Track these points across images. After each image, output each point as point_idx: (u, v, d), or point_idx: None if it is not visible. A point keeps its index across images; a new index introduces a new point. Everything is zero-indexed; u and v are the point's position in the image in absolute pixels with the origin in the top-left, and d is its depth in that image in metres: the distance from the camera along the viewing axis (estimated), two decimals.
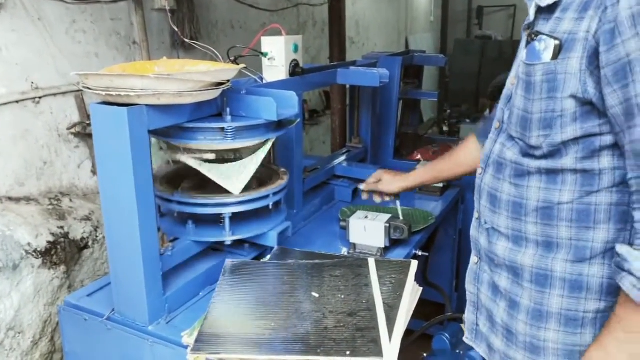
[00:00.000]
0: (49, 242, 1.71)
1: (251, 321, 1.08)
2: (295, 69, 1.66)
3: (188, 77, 1.08)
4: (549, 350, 0.95)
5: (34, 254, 1.65)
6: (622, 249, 0.82)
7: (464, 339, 1.17)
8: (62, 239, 1.77)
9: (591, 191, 0.89)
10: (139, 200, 1.09)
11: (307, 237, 1.65)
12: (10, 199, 1.78)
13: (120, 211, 1.12)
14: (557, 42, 0.86)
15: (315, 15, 4.14)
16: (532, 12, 0.95)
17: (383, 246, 1.49)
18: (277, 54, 1.62)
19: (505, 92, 1.06)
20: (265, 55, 1.63)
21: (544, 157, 0.92)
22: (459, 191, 2.18)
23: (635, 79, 0.76)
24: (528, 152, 0.95)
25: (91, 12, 2.06)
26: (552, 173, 0.93)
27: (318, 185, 1.96)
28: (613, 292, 0.89)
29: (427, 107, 6.42)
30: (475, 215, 1.13)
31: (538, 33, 0.91)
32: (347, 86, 2.69)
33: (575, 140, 0.88)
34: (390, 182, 1.65)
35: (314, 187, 1.93)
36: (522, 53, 0.97)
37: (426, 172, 1.63)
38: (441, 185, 2.05)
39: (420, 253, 1.61)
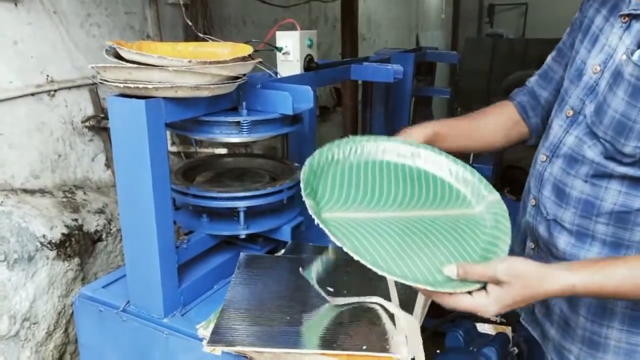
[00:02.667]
0: (63, 234, 1.72)
1: (266, 314, 1.08)
2: (309, 64, 1.65)
3: (206, 70, 1.08)
4: (609, 347, 0.94)
5: (48, 245, 1.66)
6: None
7: (521, 319, 1.17)
8: (76, 232, 1.78)
9: None
10: (156, 192, 1.09)
11: (320, 231, 1.64)
12: (25, 190, 1.79)
13: (136, 203, 1.12)
14: None
15: (327, 12, 4.14)
16: (629, 8, 0.86)
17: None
18: (292, 48, 1.62)
19: (585, 80, 0.96)
20: (279, 49, 1.62)
21: (633, 164, 0.88)
22: None
23: None
24: (615, 156, 0.90)
25: (106, 6, 2.06)
26: (638, 180, 0.88)
27: None
28: None
29: (437, 105, 6.40)
30: (532, 202, 1.09)
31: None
32: (359, 82, 2.68)
33: None
34: (415, 131, 1.14)
35: None
36: (619, 44, 0.89)
37: (451, 123, 1.21)
38: None
39: None
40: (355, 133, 3.50)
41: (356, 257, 0.80)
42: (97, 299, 1.26)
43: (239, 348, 0.99)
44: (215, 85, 1.12)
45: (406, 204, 0.97)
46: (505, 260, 0.80)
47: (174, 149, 2.25)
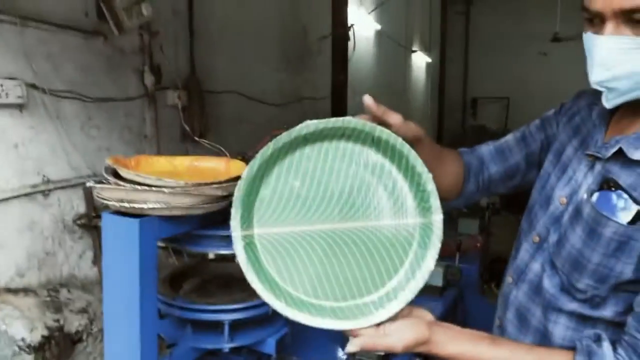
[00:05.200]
0: (43, 337, 1.69)
1: None
2: None
3: (200, 191, 1.13)
4: None
5: (26, 349, 1.63)
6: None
7: None
8: (57, 333, 1.75)
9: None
10: (142, 308, 1.10)
11: (307, 342, 1.63)
12: (9, 290, 1.78)
13: (121, 319, 1.13)
14: (639, 207, 0.81)
15: (317, 108, 4.33)
16: (610, 151, 0.88)
17: (382, 353, 1.48)
18: None
19: (552, 209, 0.99)
20: None
21: (584, 301, 0.89)
22: (458, 291, 2.19)
23: None
24: (570, 290, 0.91)
25: (106, 109, 2.17)
26: (587, 319, 0.90)
27: None
28: None
29: None
30: (497, 322, 1.09)
31: (617, 185, 0.85)
32: None
33: (619, 295, 0.86)
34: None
35: None
36: (583, 182, 0.93)
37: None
38: (440, 285, 2.06)
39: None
40: None
41: (259, 291, 0.82)
42: None
43: None
44: (209, 205, 1.16)
45: (351, 213, 0.88)
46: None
47: (161, 244, 2.27)
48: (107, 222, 1.13)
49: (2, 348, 1.56)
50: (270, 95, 3.43)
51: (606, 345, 0.83)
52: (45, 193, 1.91)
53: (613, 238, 0.84)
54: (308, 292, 0.85)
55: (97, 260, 2.10)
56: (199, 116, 2.55)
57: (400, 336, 0.82)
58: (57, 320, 1.78)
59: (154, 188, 1.10)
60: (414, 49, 8.19)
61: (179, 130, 2.54)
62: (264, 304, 1.34)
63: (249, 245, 0.86)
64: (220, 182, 1.18)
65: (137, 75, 2.33)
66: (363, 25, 5.33)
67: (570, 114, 1.08)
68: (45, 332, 1.71)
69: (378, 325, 0.83)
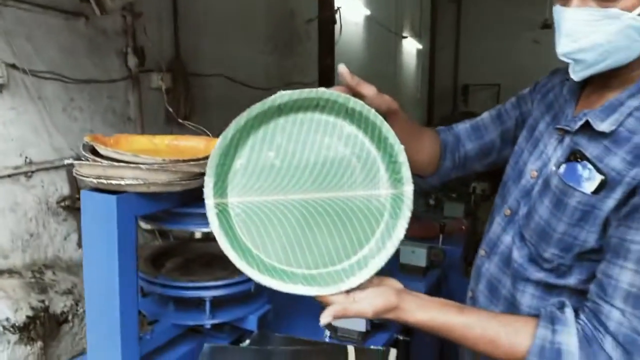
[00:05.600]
0: (28, 317, 1.70)
1: None
2: None
3: (178, 168, 1.14)
4: None
5: (11, 329, 1.63)
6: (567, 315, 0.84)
7: None
8: (42, 313, 1.76)
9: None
10: (122, 285, 1.11)
11: (290, 319, 1.65)
12: None
13: (101, 296, 1.14)
14: (603, 177, 0.84)
15: None
16: (577, 124, 0.90)
17: (364, 330, 1.50)
18: None
19: (523, 183, 1.01)
20: None
21: (550, 271, 0.92)
22: (442, 272, 2.21)
23: None
24: (537, 260, 0.94)
25: (89, 91, 2.15)
26: (553, 288, 0.93)
27: None
28: None
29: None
30: (470, 294, 1.12)
31: (584, 156, 0.88)
32: None
33: (583, 264, 0.89)
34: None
35: None
36: (553, 155, 0.95)
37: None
38: (424, 265, 2.08)
39: (402, 337, 1.61)
40: None
41: (232, 259, 0.83)
42: None
43: None
44: (187, 181, 1.17)
45: (325, 183, 0.89)
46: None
47: (148, 226, 2.27)
48: (86, 198, 1.14)
49: None
50: (257, 79, 3.42)
51: (569, 311, 0.85)
52: (28, 174, 1.90)
53: (577, 207, 0.86)
54: (281, 259, 0.87)
55: (81, 242, 2.10)
56: (184, 99, 2.55)
57: (370, 302, 0.84)
58: (42, 301, 1.79)
59: (131, 164, 1.10)
60: (404, 35, 8.17)
61: (163, 113, 2.53)
62: (245, 281, 1.37)
63: (222, 213, 0.87)
64: (197, 159, 1.18)
65: (120, 57, 2.32)
66: (351, 9, 5.30)
67: (544, 91, 1.09)
68: (30, 313, 1.71)
69: (348, 292, 0.84)
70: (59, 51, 2.03)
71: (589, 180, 0.85)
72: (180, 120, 2.05)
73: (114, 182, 1.09)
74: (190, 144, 1.37)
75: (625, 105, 0.86)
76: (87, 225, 1.14)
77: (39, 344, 1.71)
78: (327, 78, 3.42)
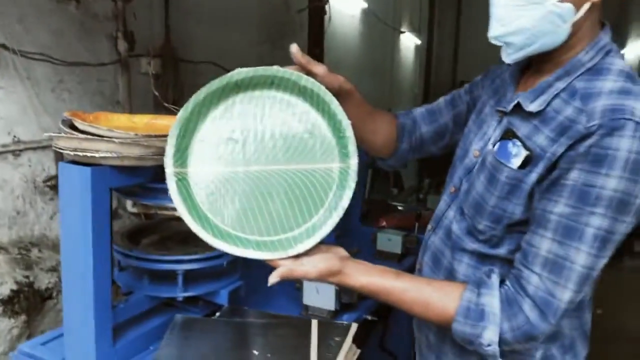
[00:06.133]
0: (12, 291, 1.75)
1: None
2: None
3: (150, 142, 1.18)
4: None
5: None
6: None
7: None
8: (26, 288, 1.81)
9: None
10: (95, 253, 1.16)
11: (264, 297, 1.71)
12: None
13: (76, 263, 1.19)
14: (528, 153, 0.91)
15: None
16: (511, 105, 0.97)
17: (333, 309, 1.56)
18: None
19: (467, 162, 1.07)
20: None
21: (484, 242, 0.99)
22: (416, 258, 2.26)
23: (567, 202, 0.84)
24: (473, 232, 1.01)
25: (78, 73, 2.20)
26: (485, 258, 1.00)
27: None
28: None
29: (410, 175, 6.62)
30: (417, 266, 1.19)
31: (514, 135, 0.95)
32: None
33: (513, 235, 0.96)
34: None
35: None
36: (492, 135, 1.01)
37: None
38: (399, 252, 2.13)
39: (370, 318, 1.66)
40: None
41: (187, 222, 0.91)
42: (34, 355, 1.29)
43: None
44: (160, 156, 1.22)
45: (280, 156, 0.94)
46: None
47: (134, 210, 2.32)
48: (63, 170, 1.19)
49: None
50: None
51: (494, 277, 0.93)
52: (16, 153, 1.95)
53: (506, 182, 0.93)
54: (236, 227, 0.92)
55: None
56: (172, 84, 2.59)
57: (314, 265, 0.90)
58: (27, 277, 1.84)
59: (105, 138, 1.15)
60: (402, 29, 8.18)
61: (152, 97, 2.57)
62: (217, 257, 1.42)
63: (182, 181, 0.93)
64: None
65: (110, 41, 2.36)
66: (348, 1, 5.33)
67: (494, 76, 1.16)
68: (15, 287, 1.77)
69: (297, 257, 0.90)
70: (50, 33, 2.07)
71: (517, 157, 0.92)
72: (166, 105, 2.09)
73: (88, 154, 1.14)
74: (167, 123, 1.41)
75: (553, 87, 0.92)
76: (64, 196, 1.20)
77: (23, 317, 1.77)
78: None
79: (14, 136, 1.95)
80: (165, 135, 1.20)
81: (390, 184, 3.44)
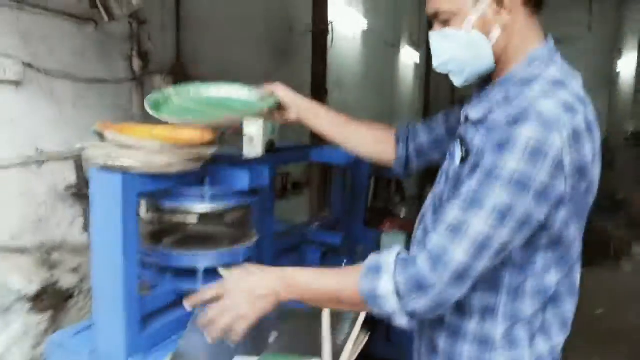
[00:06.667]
0: (38, 290, 1.88)
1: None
2: (270, 147, 1.92)
3: (174, 152, 1.33)
4: None
5: (24, 299, 1.82)
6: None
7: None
8: (51, 287, 1.94)
9: None
10: (125, 251, 1.30)
11: None
12: (6, 249, 1.97)
13: (107, 262, 1.32)
14: (465, 149, 1.08)
15: None
16: (462, 116, 1.16)
17: None
18: (256, 134, 1.89)
19: (445, 166, 1.22)
20: (245, 135, 1.89)
21: None
22: None
23: (477, 179, 0.98)
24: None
25: (97, 90, 2.35)
26: None
27: (290, 249, 2.18)
28: None
29: (412, 184, 6.77)
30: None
31: (462, 139, 1.11)
32: None
33: None
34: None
35: (286, 250, 2.14)
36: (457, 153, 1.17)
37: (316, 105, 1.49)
38: None
39: None
40: (321, 208, 3.71)
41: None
42: (66, 344, 1.42)
43: None
44: (183, 164, 1.36)
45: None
46: None
47: (148, 216, 2.46)
48: (94, 176, 1.33)
49: (3, 296, 1.75)
50: (255, 84, 3.61)
51: (397, 246, 1.08)
52: (40, 164, 2.09)
53: (453, 177, 1.11)
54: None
55: (86, 226, 2.28)
56: None
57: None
58: (51, 277, 1.97)
59: (134, 147, 1.29)
60: (402, 46, 8.39)
61: None
62: (234, 254, 1.55)
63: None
64: (192, 145, 1.38)
65: (126, 60, 2.51)
66: (348, 22, 5.52)
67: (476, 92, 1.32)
68: (40, 287, 1.90)
69: None
70: (71, 53, 2.23)
71: (459, 156, 1.10)
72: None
73: (117, 163, 1.28)
74: (187, 135, 1.56)
75: (490, 96, 1.09)
76: (96, 200, 1.33)
77: (49, 313, 1.89)
78: (318, 83, 3.63)
79: (37, 148, 2.10)
80: (188, 146, 1.35)
81: (392, 192, 3.58)
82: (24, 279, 1.85)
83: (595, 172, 1.02)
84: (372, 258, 1.07)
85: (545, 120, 0.93)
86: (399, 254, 1.04)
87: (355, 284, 1.04)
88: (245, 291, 1.09)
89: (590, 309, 4.11)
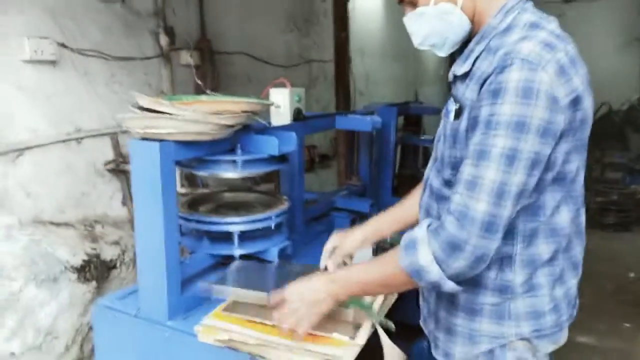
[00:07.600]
0: (83, 261, 1.98)
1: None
2: (297, 115, 1.95)
3: (207, 120, 1.37)
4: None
5: (71, 269, 1.92)
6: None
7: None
8: (95, 259, 2.04)
9: None
10: (165, 216, 1.36)
11: (306, 256, 1.89)
12: (52, 223, 2.07)
13: (149, 226, 1.39)
14: (458, 105, 1.12)
15: (326, 70, 4.51)
16: (451, 74, 1.18)
17: None
18: (283, 102, 1.93)
19: (439, 133, 1.27)
20: (272, 103, 1.93)
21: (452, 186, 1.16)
22: None
23: (479, 132, 1.01)
24: (444, 182, 1.19)
25: (127, 67, 2.41)
26: None
27: (319, 216, 2.22)
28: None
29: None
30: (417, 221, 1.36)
31: (451, 95, 1.16)
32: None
33: None
34: (348, 240, 1.48)
35: (316, 218, 2.19)
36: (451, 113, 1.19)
37: (382, 217, 1.53)
38: None
39: None
40: (349, 178, 3.72)
41: None
42: (113, 307, 1.51)
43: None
44: (215, 132, 1.41)
45: None
46: None
47: (183, 190, 2.53)
48: (134, 146, 1.39)
49: (51, 267, 1.85)
50: (278, 57, 3.63)
51: (428, 219, 1.12)
52: (78, 140, 2.17)
53: (450, 134, 1.14)
54: None
55: (125, 200, 2.38)
56: (210, 74, 2.78)
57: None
58: (94, 249, 2.07)
59: (168, 115, 1.34)
60: None
61: (192, 87, 2.77)
62: (266, 219, 1.61)
63: None
64: (223, 113, 1.42)
65: (153, 37, 2.56)
66: None
67: None
68: (85, 257, 2.00)
69: None
70: (100, 31, 2.28)
71: (452, 112, 1.13)
72: (209, 92, 2.28)
73: (155, 130, 1.33)
74: (217, 105, 1.60)
75: (474, 51, 1.11)
76: (136, 169, 1.40)
77: (94, 283, 2.00)
78: (342, 51, 3.62)
79: (76, 125, 2.18)
80: (219, 113, 1.40)
81: (420, 160, 3.58)
82: (70, 251, 1.95)
83: (587, 103, 1.05)
84: (406, 236, 1.11)
85: (530, 61, 0.97)
86: (429, 225, 1.08)
87: (397, 264, 1.09)
88: (304, 298, 1.21)
89: (623, 272, 4.08)
